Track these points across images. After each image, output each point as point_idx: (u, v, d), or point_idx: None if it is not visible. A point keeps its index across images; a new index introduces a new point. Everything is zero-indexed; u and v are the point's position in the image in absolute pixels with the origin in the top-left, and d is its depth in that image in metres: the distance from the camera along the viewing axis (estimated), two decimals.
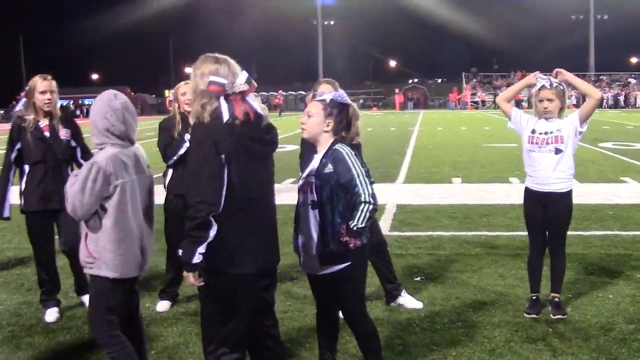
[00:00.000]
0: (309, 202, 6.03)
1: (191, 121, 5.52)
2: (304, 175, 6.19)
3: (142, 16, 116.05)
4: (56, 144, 8.66)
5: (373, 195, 5.96)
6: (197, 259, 5.25)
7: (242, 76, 5.42)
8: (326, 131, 6.14)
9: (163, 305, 9.02)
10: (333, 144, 6.13)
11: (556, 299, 8.47)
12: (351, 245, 5.92)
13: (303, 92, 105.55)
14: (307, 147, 7.21)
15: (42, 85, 8.57)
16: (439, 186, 19.36)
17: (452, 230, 13.35)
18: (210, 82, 5.28)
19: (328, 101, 6.16)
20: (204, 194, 5.18)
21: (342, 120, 6.22)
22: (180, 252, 5.36)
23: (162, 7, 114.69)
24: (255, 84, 5.47)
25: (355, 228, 5.88)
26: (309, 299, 8.99)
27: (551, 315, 8.34)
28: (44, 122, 8.65)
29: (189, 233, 5.22)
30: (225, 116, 5.26)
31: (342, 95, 6.29)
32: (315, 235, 6.03)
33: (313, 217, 6.03)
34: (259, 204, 5.51)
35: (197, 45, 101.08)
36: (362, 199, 5.91)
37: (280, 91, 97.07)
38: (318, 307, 6.53)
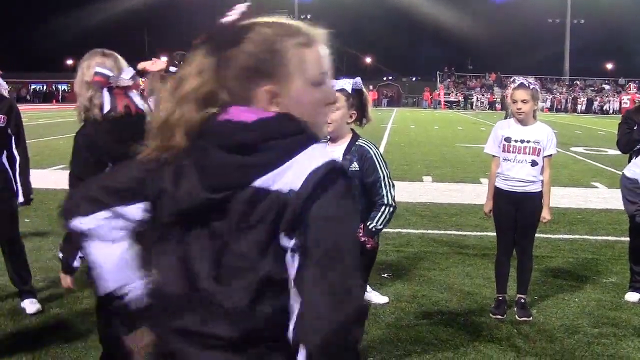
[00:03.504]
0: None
1: (76, 117, 5.28)
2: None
3: (121, 7, 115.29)
4: None
5: (394, 198, 5.94)
6: (77, 262, 5.06)
7: (128, 72, 5.31)
8: (348, 123, 6.04)
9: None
10: (354, 138, 6.04)
11: (522, 300, 8.49)
12: (368, 245, 5.91)
13: None
14: None
15: None
16: (410, 184, 19.34)
17: (421, 228, 13.35)
18: (95, 73, 5.15)
19: (350, 90, 6.01)
20: None
21: (362, 109, 6.09)
22: (60, 254, 5.20)
23: (140, 1, 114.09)
24: (139, 81, 5.38)
25: (374, 229, 5.87)
26: None
27: (516, 316, 8.36)
28: None
29: (69, 237, 4.83)
30: (106, 108, 5.12)
31: (359, 81, 6.13)
32: None
33: None
34: None
35: (174, 35, 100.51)
36: (385, 201, 5.90)
37: None
38: None
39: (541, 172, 8.25)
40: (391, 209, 5.92)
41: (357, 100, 6.02)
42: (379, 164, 5.94)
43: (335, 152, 5.95)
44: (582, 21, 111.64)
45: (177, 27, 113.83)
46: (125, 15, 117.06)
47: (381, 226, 5.91)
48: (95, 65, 5.22)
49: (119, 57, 5.42)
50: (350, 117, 5.99)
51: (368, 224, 5.87)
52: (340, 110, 5.91)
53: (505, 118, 8.27)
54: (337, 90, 5.89)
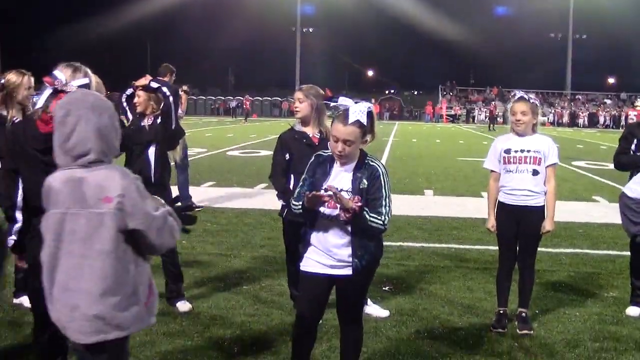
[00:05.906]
0: (342, 218, 5.83)
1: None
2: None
3: (123, 21, 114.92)
4: None
5: (389, 221, 5.89)
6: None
7: (80, 81, 5.60)
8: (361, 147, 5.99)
9: None
10: (363, 156, 5.99)
11: (523, 314, 8.48)
12: (356, 203, 5.73)
13: (279, 99, 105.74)
14: (306, 154, 7.08)
15: (28, 82, 8.37)
16: (411, 197, 19.34)
17: (422, 241, 13.34)
18: (50, 74, 5.54)
19: (365, 121, 5.85)
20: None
21: (370, 128, 5.97)
22: None
23: (142, 14, 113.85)
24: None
25: (367, 214, 5.74)
26: (276, 303, 9.00)
27: (517, 330, 8.35)
28: (19, 119, 8.12)
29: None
30: (40, 104, 5.51)
31: (371, 107, 6.02)
32: (348, 246, 5.93)
33: (344, 229, 5.91)
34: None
35: (175, 48, 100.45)
36: (382, 220, 5.81)
37: (247, 96, 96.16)
38: (303, 318, 6.29)
39: (544, 183, 8.27)
40: (382, 228, 5.86)
41: (370, 124, 5.93)
42: (385, 184, 5.88)
43: (345, 170, 5.95)
44: (584, 36, 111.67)
45: (180, 40, 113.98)
46: (127, 31, 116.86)
47: (369, 224, 5.77)
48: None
49: (84, 69, 5.85)
50: (364, 142, 5.94)
51: (371, 211, 5.76)
52: (355, 144, 5.84)
53: (490, 129, 8.31)
54: (351, 124, 5.79)
